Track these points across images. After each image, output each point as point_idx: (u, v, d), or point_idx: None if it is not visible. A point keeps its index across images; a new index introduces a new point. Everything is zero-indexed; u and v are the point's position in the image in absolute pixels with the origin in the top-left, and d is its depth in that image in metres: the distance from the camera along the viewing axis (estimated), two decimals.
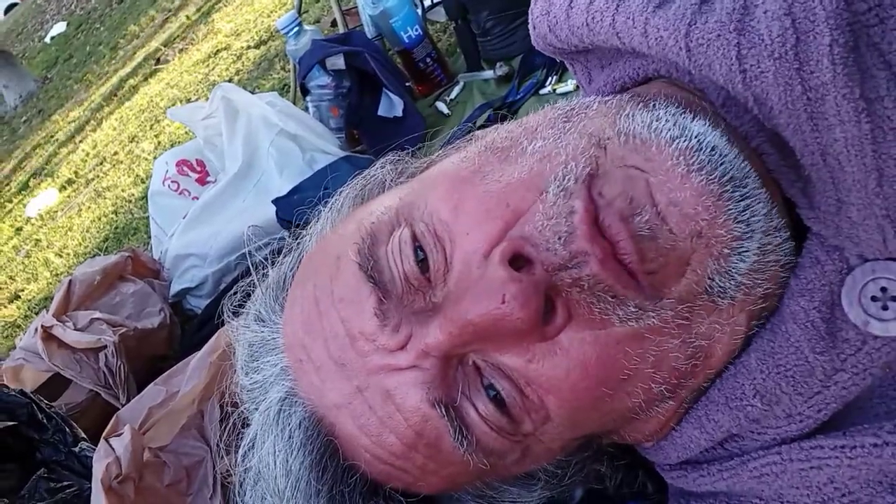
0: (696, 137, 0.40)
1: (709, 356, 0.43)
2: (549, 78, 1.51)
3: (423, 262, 0.44)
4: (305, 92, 1.86)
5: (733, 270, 0.39)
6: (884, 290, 0.39)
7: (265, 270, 0.57)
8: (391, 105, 1.73)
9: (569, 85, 1.44)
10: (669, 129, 0.40)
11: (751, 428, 0.45)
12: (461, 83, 1.79)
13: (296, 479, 0.46)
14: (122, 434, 0.97)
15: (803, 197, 0.41)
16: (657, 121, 0.41)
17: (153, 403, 1.01)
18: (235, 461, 0.53)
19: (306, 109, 1.85)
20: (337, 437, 0.46)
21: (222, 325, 0.61)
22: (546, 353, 0.41)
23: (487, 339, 0.42)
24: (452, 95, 1.78)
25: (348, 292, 0.45)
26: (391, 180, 0.56)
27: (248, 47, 3.81)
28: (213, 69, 3.98)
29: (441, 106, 1.78)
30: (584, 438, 0.48)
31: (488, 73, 1.70)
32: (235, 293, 0.58)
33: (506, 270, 0.39)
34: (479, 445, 0.44)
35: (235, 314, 0.56)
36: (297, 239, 0.57)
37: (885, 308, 0.39)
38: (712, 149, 0.40)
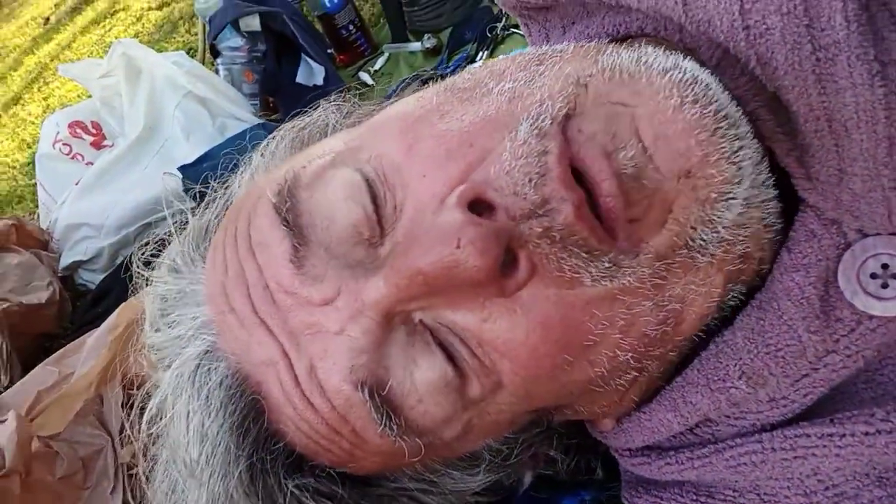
0: (690, 71, 0.36)
1: (680, 322, 0.39)
2: (480, 53, 1.47)
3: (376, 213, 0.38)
4: (216, 54, 1.72)
5: (717, 220, 0.36)
6: (885, 266, 0.37)
7: (183, 224, 0.49)
8: (311, 72, 1.64)
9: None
10: (661, 63, 0.36)
11: (728, 412, 0.42)
12: (386, 54, 1.72)
13: (212, 445, 0.40)
14: (5, 421, 0.84)
15: (799, 167, 0.38)
16: (646, 55, 0.37)
17: (43, 387, 0.88)
18: (140, 448, 0.46)
19: (216, 72, 1.72)
20: (264, 398, 0.40)
21: (121, 300, 0.53)
22: (504, 311, 0.36)
23: (438, 293, 0.36)
24: (377, 66, 1.71)
25: (263, 236, 0.40)
26: (336, 123, 0.50)
27: (150, 8, 3.54)
28: (109, 31, 3.68)
29: (365, 76, 1.70)
30: (536, 413, 0.44)
31: (415, 45, 1.63)
32: (147, 243, 0.50)
33: (463, 213, 0.34)
34: (412, 426, 0.38)
35: (147, 265, 0.49)
36: (223, 186, 0.50)
37: (885, 286, 0.37)
38: (707, 84, 0.36)
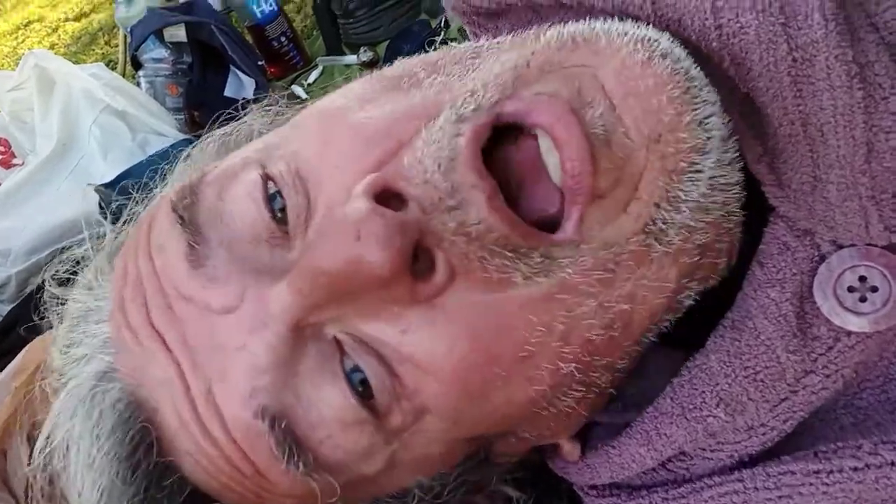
0: (651, 31, 0.33)
1: (628, 324, 0.35)
2: None
3: (283, 212, 0.34)
4: (137, 66, 1.64)
5: (683, 196, 0.32)
6: (862, 279, 0.35)
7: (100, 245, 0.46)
8: (241, 85, 1.57)
9: None
10: (618, 26, 0.33)
11: (704, 444, 0.39)
12: (320, 67, 1.67)
13: (99, 474, 0.35)
14: None
15: (770, 173, 0.36)
16: (600, 23, 0.34)
17: None
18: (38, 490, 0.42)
19: (138, 85, 1.63)
20: (157, 427, 0.35)
21: (30, 336, 0.48)
22: (424, 320, 0.32)
23: (346, 298, 0.32)
24: (311, 80, 1.66)
25: (162, 237, 0.36)
26: (261, 128, 0.46)
27: (66, 19, 3.40)
28: (22, 42, 3.51)
29: (298, 90, 1.65)
30: (473, 443, 0.39)
31: (351, 59, 1.59)
32: (60, 261, 0.46)
33: (366, 203, 0.30)
34: (323, 462, 0.34)
35: (61, 285, 0.45)
36: (146, 201, 0.46)
37: (863, 300, 0.35)
38: (670, 44, 0.32)
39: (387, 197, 0.32)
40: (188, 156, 0.47)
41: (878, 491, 0.34)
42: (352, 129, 0.34)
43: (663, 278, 0.34)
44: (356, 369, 0.34)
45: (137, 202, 0.47)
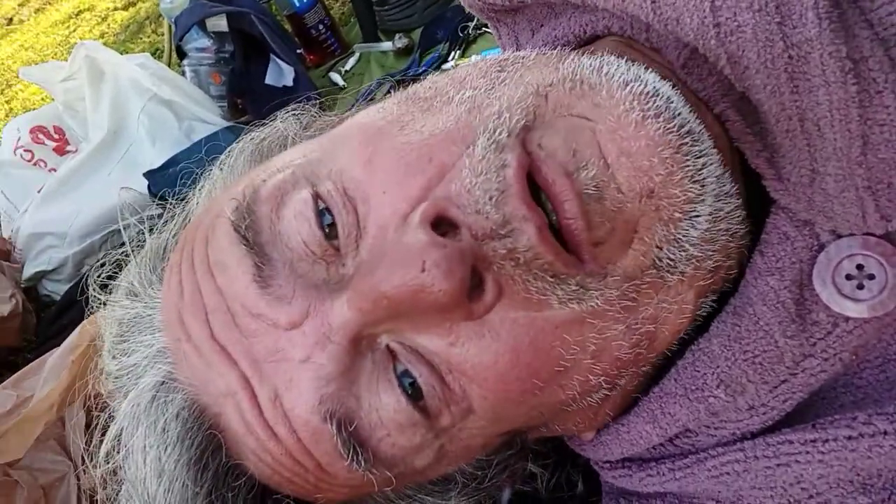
0: (651, 84, 0.35)
1: (653, 341, 0.38)
2: (452, 53, 1.45)
3: (331, 227, 0.37)
4: (182, 55, 1.69)
5: (684, 239, 0.35)
6: (860, 267, 0.36)
7: (140, 241, 0.48)
8: (280, 73, 1.61)
9: (473, 60, 1.39)
10: (623, 74, 0.35)
11: (707, 422, 0.41)
12: (357, 54, 1.69)
13: (169, 480, 0.38)
14: None
15: (770, 167, 0.37)
16: (608, 65, 0.36)
17: (1, 410, 0.85)
18: (100, 480, 0.44)
19: (183, 74, 1.69)
20: (222, 431, 0.38)
21: (86, 313, 0.51)
22: (472, 334, 0.35)
23: (404, 316, 0.35)
24: (348, 66, 1.68)
25: (223, 255, 0.38)
26: (295, 135, 0.48)
27: (115, 8, 3.49)
28: (74, 31, 3.62)
29: (336, 77, 1.68)
30: (509, 434, 0.42)
31: (387, 45, 1.61)
32: (104, 264, 0.49)
33: (427, 234, 0.33)
34: (381, 458, 0.37)
35: (104, 288, 0.47)
36: (182, 203, 0.48)
37: (860, 287, 0.36)
38: (668, 98, 0.35)
39: (439, 223, 0.34)
40: (223, 161, 0.49)
41: (871, 459, 0.36)
42: (394, 153, 0.37)
43: (682, 301, 0.37)
44: (406, 374, 0.37)
45: (173, 205, 0.50)
